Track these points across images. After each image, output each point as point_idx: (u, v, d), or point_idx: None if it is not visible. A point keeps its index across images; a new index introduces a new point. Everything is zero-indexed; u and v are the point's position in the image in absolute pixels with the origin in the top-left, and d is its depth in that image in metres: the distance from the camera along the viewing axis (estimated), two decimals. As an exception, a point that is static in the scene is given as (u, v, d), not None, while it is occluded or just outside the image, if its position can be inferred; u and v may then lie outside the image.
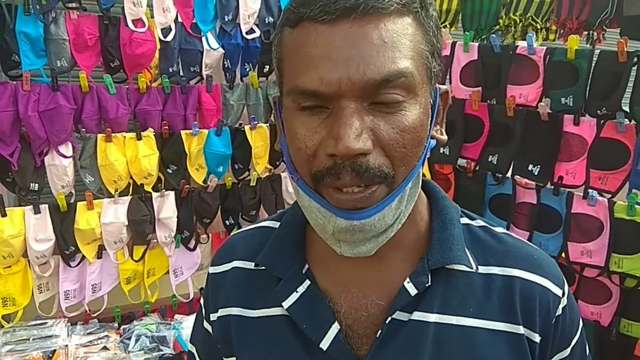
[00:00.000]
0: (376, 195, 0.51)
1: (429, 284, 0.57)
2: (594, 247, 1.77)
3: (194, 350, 0.74)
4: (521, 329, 0.58)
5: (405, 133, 0.50)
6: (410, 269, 0.58)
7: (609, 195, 1.78)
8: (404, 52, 0.49)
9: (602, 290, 1.83)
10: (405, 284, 0.57)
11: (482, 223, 0.65)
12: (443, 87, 0.58)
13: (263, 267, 0.64)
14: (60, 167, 1.84)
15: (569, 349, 0.62)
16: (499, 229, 0.65)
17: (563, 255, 1.85)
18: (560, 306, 0.60)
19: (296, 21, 0.51)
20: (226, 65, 2.17)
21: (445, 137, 0.59)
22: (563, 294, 0.61)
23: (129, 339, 1.87)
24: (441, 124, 0.59)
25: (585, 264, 1.81)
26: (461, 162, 2.15)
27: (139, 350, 1.82)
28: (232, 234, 0.71)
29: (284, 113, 0.55)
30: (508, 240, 0.63)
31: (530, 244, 0.65)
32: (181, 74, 2.07)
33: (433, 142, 0.57)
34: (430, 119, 0.54)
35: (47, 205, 1.85)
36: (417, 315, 0.57)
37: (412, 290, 0.57)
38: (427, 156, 0.57)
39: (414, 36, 0.51)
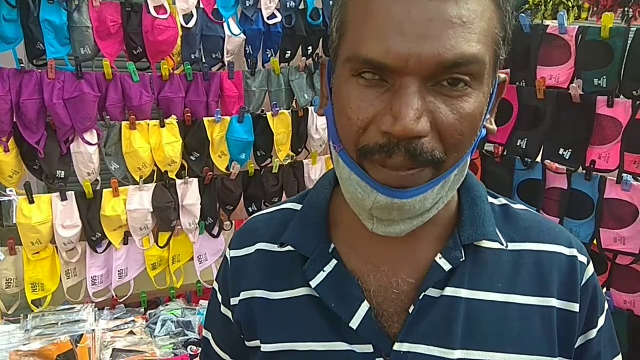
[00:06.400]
0: (422, 176, 0.49)
1: (463, 259, 0.57)
2: (628, 234, 1.71)
3: (209, 336, 0.73)
4: (553, 302, 0.58)
5: (465, 120, 0.48)
6: (440, 246, 0.58)
7: (645, 180, 1.71)
8: (481, 36, 0.47)
9: (636, 279, 1.77)
10: (438, 259, 0.57)
11: (503, 201, 0.65)
12: (502, 75, 0.55)
13: (287, 249, 0.63)
14: (85, 154, 1.86)
15: (602, 318, 0.61)
16: (518, 206, 0.65)
17: (595, 242, 1.79)
18: (588, 273, 0.61)
19: None
20: (248, 52, 2.15)
21: (495, 127, 0.57)
22: (588, 262, 0.62)
23: (155, 324, 1.90)
24: (492, 114, 0.57)
25: (618, 251, 1.76)
26: (488, 146, 2.09)
27: (165, 335, 1.84)
28: (250, 217, 0.70)
29: (336, 80, 0.52)
30: (528, 217, 0.64)
31: (546, 218, 0.66)
32: (203, 60, 2.07)
33: (484, 132, 0.55)
34: (487, 107, 0.52)
35: (73, 193, 1.88)
36: (449, 291, 0.56)
37: (446, 266, 0.56)
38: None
39: (491, 20, 0.48)
